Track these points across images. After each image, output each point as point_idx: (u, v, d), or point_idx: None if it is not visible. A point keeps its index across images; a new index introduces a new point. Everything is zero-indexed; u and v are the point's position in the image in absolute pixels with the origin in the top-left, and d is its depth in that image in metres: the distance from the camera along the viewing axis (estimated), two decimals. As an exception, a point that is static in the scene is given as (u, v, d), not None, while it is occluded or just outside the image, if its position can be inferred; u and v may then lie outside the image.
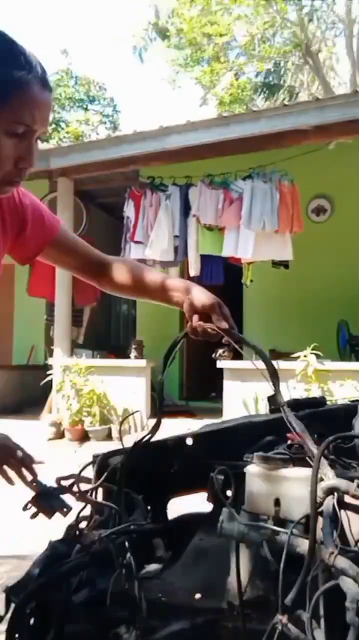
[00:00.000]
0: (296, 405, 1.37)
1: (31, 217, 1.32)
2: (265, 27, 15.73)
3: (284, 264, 7.41)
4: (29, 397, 8.41)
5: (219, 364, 6.97)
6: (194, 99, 17.69)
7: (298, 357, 6.36)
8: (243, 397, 6.62)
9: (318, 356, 6.29)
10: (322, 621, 0.84)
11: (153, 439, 1.29)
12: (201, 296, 1.33)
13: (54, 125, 17.10)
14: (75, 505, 1.20)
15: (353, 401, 1.50)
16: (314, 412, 1.37)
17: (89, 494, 1.28)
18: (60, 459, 5.84)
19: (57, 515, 1.18)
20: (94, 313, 9.39)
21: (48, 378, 7.40)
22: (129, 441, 1.30)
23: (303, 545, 0.91)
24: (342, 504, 0.92)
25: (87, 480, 1.25)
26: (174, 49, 16.65)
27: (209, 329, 1.32)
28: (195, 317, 1.32)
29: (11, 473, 1.32)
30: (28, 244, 1.34)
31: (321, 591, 0.82)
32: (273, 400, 1.19)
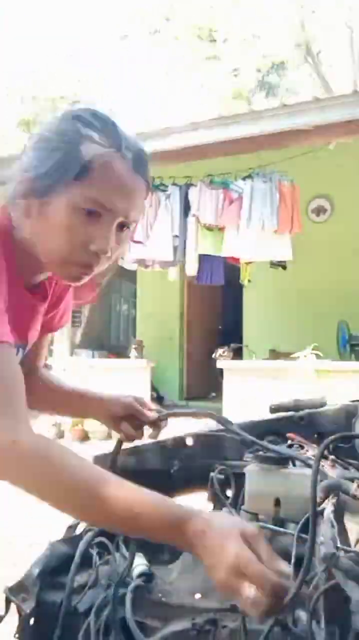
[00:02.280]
0: (296, 405, 1.37)
1: (62, 310, 1.29)
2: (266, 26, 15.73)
3: (282, 265, 7.42)
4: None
5: (219, 364, 6.98)
6: (194, 98, 17.68)
7: (298, 357, 6.36)
8: (243, 397, 6.61)
9: (318, 356, 6.29)
10: (322, 621, 0.84)
11: (153, 440, 1.29)
12: (115, 403, 1.28)
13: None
14: None
15: (353, 401, 1.50)
16: (314, 412, 1.37)
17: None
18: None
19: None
20: (93, 313, 9.39)
21: (48, 378, 7.40)
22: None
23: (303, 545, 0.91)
24: (342, 504, 0.92)
25: None
26: (173, 44, 16.62)
27: (140, 427, 1.26)
28: (123, 424, 1.26)
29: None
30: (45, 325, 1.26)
31: (320, 591, 0.82)
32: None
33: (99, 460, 1.31)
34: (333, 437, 0.95)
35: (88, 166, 0.95)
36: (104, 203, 0.96)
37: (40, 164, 0.97)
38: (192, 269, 7.21)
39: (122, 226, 1.01)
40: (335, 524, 0.85)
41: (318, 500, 0.95)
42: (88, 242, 0.98)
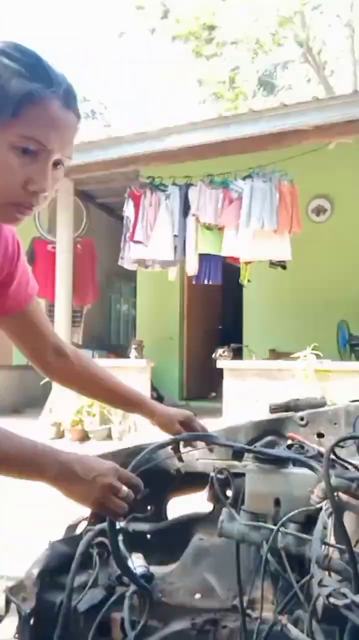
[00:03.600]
0: (296, 405, 1.37)
1: (20, 273, 1.21)
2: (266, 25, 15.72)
3: (282, 265, 7.42)
4: (29, 397, 8.40)
5: (219, 364, 6.98)
6: (194, 98, 17.68)
7: (298, 357, 6.36)
8: (243, 397, 6.61)
9: (318, 356, 6.29)
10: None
11: (152, 440, 1.29)
12: (171, 420, 1.38)
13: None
14: None
15: (353, 401, 1.50)
16: (314, 412, 1.37)
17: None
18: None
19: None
20: (92, 313, 9.39)
21: (48, 378, 7.40)
22: (128, 441, 1.30)
23: (303, 545, 0.91)
24: (342, 504, 0.92)
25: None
26: (173, 40, 16.59)
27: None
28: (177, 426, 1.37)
29: None
30: (5, 301, 1.20)
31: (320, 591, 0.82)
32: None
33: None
34: (340, 437, 0.95)
35: (21, 103, 0.92)
36: (41, 140, 0.94)
37: None
38: (192, 268, 7.22)
39: (56, 164, 0.99)
40: (329, 524, 0.85)
41: (317, 500, 0.95)
42: (27, 182, 0.96)
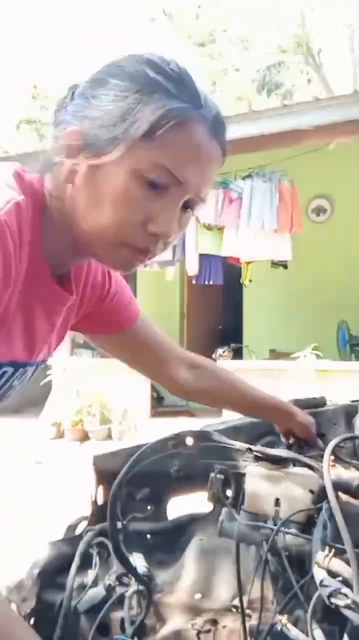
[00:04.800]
0: (296, 405, 1.37)
1: (115, 296, 1.06)
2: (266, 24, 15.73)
3: (283, 264, 7.42)
4: (29, 397, 8.41)
5: (219, 364, 6.98)
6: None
7: (298, 357, 6.36)
8: (243, 397, 6.61)
9: (318, 356, 6.29)
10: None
11: (153, 440, 1.29)
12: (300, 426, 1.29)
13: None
14: None
15: (353, 401, 1.50)
16: (314, 412, 1.37)
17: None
18: (60, 459, 5.84)
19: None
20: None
21: (48, 378, 7.40)
22: (128, 441, 1.30)
23: (303, 545, 0.91)
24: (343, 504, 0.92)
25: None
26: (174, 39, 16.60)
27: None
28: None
29: None
30: (101, 320, 1.07)
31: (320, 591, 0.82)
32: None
33: (99, 460, 1.31)
34: (340, 437, 0.95)
35: (161, 124, 0.75)
36: (176, 172, 0.77)
37: (98, 113, 0.77)
38: (193, 268, 7.22)
39: (187, 206, 0.82)
40: (329, 524, 0.85)
41: (316, 500, 0.95)
42: (147, 221, 0.78)
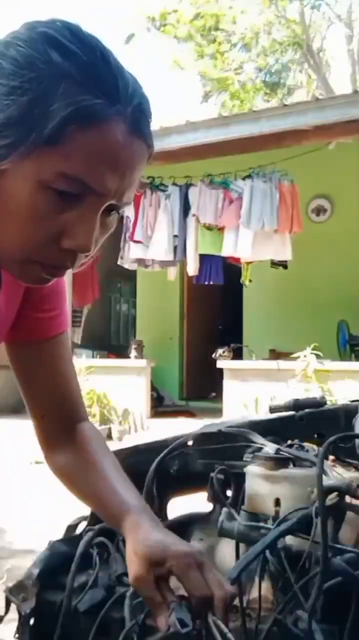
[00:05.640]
0: (296, 405, 1.37)
1: (48, 296, 0.91)
2: (266, 24, 15.74)
3: (283, 264, 7.43)
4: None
5: (219, 364, 6.98)
6: (194, 97, 17.70)
7: (298, 357, 6.36)
8: (243, 397, 6.62)
9: (318, 356, 6.30)
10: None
11: (152, 440, 1.29)
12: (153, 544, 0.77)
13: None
14: None
15: (353, 401, 1.50)
16: (314, 412, 1.37)
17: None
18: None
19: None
20: (92, 313, 9.40)
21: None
22: (128, 441, 1.31)
23: (302, 545, 0.91)
24: (342, 504, 0.92)
25: None
26: (173, 39, 16.58)
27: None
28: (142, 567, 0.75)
29: None
30: (24, 324, 0.90)
31: (321, 591, 0.82)
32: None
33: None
34: (334, 437, 0.95)
35: (66, 125, 0.62)
36: (88, 182, 0.64)
37: None
38: (193, 269, 7.22)
39: (109, 211, 0.70)
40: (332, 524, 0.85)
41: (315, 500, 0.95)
42: (60, 236, 0.67)
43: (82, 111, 0.62)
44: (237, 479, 1.14)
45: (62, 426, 0.96)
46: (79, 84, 0.63)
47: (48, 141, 0.62)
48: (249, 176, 6.96)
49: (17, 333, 0.91)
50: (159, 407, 8.21)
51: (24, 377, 0.96)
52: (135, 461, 1.31)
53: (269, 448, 1.10)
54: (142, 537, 0.77)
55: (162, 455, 1.20)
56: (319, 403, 1.41)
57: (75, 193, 0.65)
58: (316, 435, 1.33)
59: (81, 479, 0.94)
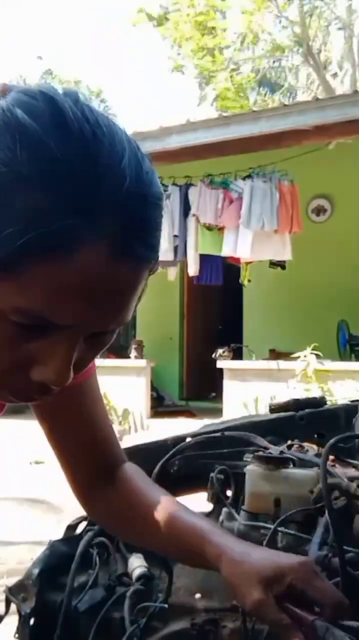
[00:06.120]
0: (296, 405, 1.37)
1: None
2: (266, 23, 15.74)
3: (281, 265, 7.43)
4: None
5: (219, 364, 6.98)
6: (193, 97, 17.71)
7: (298, 357, 6.36)
8: (243, 397, 6.62)
9: (318, 356, 6.30)
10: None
11: (152, 440, 1.30)
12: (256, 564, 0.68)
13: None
14: None
15: (353, 401, 1.50)
16: (314, 412, 1.37)
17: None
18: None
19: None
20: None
21: (48, 378, 7.41)
22: (128, 441, 1.30)
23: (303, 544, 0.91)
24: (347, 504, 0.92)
25: None
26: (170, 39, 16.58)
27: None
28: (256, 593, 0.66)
29: None
30: None
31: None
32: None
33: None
34: (337, 437, 0.95)
35: (21, 255, 0.48)
36: (53, 320, 0.52)
37: None
38: (194, 269, 7.22)
39: (97, 334, 0.57)
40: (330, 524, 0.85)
41: (316, 500, 0.95)
42: (29, 366, 0.55)
43: (46, 237, 0.47)
44: (237, 479, 1.14)
45: (102, 471, 0.87)
46: (47, 197, 0.47)
47: (2, 269, 0.49)
48: (249, 176, 6.96)
49: None
50: (159, 407, 8.21)
51: (52, 426, 0.86)
52: (134, 461, 1.31)
53: (272, 451, 1.11)
54: (241, 559, 0.69)
55: (166, 457, 1.20)
56: (319, 403, 1.41)
57: (40, 326, 0.52)
58: (316, 435, 1.33)
59: (136, 521, 0.84)
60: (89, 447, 0.87)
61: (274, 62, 17.31)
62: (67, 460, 0.87)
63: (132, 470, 0.89)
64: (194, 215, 7.07)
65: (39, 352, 0.54)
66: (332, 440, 0.92)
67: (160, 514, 0.80)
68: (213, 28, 15.28)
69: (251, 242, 6.76)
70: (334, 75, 16.82)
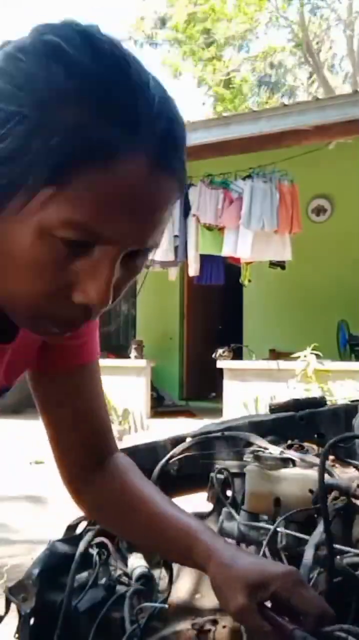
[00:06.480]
0: (296, 405, 1.37)
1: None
2: (266, 22, 15.75)
3: (281, 265, 7.43)
4: (29, 397, 8.36)
5: (219, 364, 6.98)
6: (194, 98, 17.72)
7: (298, 357, 6.36)
8: (243, 397, 6.61)
9: (318, 356, 6.29)
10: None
11: (152, 440, 1.30)
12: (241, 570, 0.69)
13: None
14: None
15: (353, 401, 1.50)
16: (314, 412, 1.37)
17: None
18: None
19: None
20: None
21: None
22: (128, 441, 1.31)
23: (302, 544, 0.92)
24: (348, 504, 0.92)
25: None
26: (172, 42, 16.60)
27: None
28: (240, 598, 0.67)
29: None
30: (50, 353, 0.81)
31: (320, 590, 0.82)
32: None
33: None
34: (336, 438, 0.95)
35: (70, 164, 0.51)
36: (100, 231, 0.54)
37: None
38: (194, 269, 7.22)
39: (131, 255, 0.59)
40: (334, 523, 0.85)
41: (316, 500, 0.95)
42: (71, 289, 0.57)
43: (89, 147, 0.51)
44: (237, 479, 1.14)
45: (93, 458, 0.87)
46: (87, 109, 0.51)
47: (49, 182, 0.51)
48: (249, 176, 6.96)
49: (43, 363, 0.82)
50: (159, 407, 8.21)
51: (48, 407, 0.86)
52: (135, 462, 1.31)
53: (272, 451, 1.11)
54: (229, 563, 0.69)
55: (166, 458, 1.20)
56: (319, 403, 1.41)
57: (86, 242, 0.55)
58: (316, 435, 1.33)
59: (125, 513, 0.84)
60: (85, 432, 0.86)
61: (273, 63, 17.31)
62: (61, 444, 0.87)
63: (125, 462, 0.89)
64: (194, 215, 7.07)
65: (82, 273, 0.56)
66: (331, 441, 0.92)
67: (150, 508, 0.80)
68: (210, 30, 15.29)
69: (251, 242, 6.76)
70: (331, 67, 16.81)
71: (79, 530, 1.28)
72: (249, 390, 6.62)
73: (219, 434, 1.28)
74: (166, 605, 1.03)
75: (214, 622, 1.02)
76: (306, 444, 1.24)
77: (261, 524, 1.00)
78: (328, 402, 1.46)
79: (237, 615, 0.67)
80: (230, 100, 16.22)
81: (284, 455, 1.06)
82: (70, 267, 0.56)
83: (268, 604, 0.67)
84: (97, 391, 0.88)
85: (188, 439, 1.35)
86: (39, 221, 0.53)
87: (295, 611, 0.65)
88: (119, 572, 1.14)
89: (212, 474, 1.16)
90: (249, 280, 7.34)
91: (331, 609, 0.66)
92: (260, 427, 1.36)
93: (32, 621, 1.11)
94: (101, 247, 0.55)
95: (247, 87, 17.19)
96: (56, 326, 0.61)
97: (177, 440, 1.35)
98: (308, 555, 0.84)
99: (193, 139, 6.78)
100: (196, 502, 1.31)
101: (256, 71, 17.24)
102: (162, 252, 7.15)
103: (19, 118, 0.51)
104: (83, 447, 0.87)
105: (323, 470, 0.84)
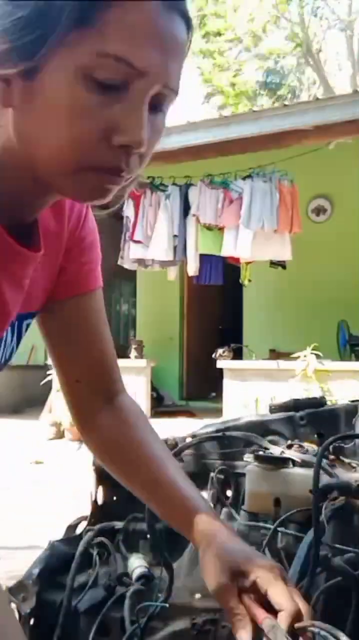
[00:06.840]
0: (296, 405, 1.37)
1: (87, 248, 0.86)
2: (267, 22, 15.75)
3: (282, 265, 7.43)
4: (29, 397, 8.40)
5: (219, 364, 6.98)
6: (195, 97, 17.72)
7: (298, 357, 6.36)
8: (243, 397, 6.61)
9: (318, 356, 6.29)
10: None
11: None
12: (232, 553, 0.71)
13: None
14: None
15: (353, 401, 1.50)
16: (314, 412, 1.37)
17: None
18: (60, 459, 5.84)
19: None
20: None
21: (48, 378, 7.40)
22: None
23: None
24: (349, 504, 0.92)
25: None
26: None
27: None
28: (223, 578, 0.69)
29: None
30: (63, 278, 0.84)
31: (320, 590, 0.82)
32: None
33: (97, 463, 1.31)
34: (333, 437, 0.95)
35: (95, 4, 0.58)
36: (131, 59, 0.59)
37: (15, 8, 0.58)
38: (193, 269, 7.22)
39: (156, 106, 0.65)
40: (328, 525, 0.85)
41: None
42: (110, 132, 0.61)
43: None
44: (237, 479, 1.14)
45: (100, 392, 0.87)
46: None
47: (80, 22, 0.57)
48: (249, 176, 6.96)
49: (56, 289, 0.83)
50: (159, 407, 8.21)
51: (57, 338, 0.87)
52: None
53: (272, 451, 1.11)
54: (222, 543, 0.72)
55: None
56: (319, 403, 1.41)
57: (118, 78, 0.59)
58: (316, 435, 1.33)
59: (131, 464, 0.84)
60: (94, 361, 0.88)
61: (274, 64, 17.31)
62: (69, 375, 0.88)
63: (135, 407, 0.91)
64: (194, 215, 7.07)
65: (118, 116, 0.61)
66: (328, 440, 0.92)
67: (157, 470, 0.81)
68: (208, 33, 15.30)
69: (251, 242, 6.76)
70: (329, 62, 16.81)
71: (79, 530, 1.28)
72: (249, 390, 6.62)
73: (219, 434, 1.28)
74: (166, 605, 1.03)
75: (214, 622, 1.02)
76: (306, 444, 1.24)
77: (261, 524, 1.00)
78: (328, 402, 1.46)
79: (217, 595, 0.69)
80: (233, 98, 16.23)
81: (284, 455, 1.06)
82: (107, 110, 0.60)
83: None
84: (103, 320, 0.90)
85: (188, 439, 1.35)
86: (74, 62, 0.58)
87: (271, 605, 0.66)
88: (119, 572, 1.14)
89: (212, 474, 1.16)
90: (249, 280, 7.34)
91: (308, 607, 0.67)
92: (260, 427, 1.36)
93: (32, 621, 1.11)
94: (132, 85, 0.60)
95: (249, 87, 17.19)
96: (99, 178, 0.64)
97: (178, 440, 1.35)
98: (302, 550, 0.85)
99: (193, 139, 6.78)
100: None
101: (257, 71, 17.24)
102: (162, 251, 7.16)
103: None
104: (94, 376, 0.87)
105: (318, 469, 0.84)
